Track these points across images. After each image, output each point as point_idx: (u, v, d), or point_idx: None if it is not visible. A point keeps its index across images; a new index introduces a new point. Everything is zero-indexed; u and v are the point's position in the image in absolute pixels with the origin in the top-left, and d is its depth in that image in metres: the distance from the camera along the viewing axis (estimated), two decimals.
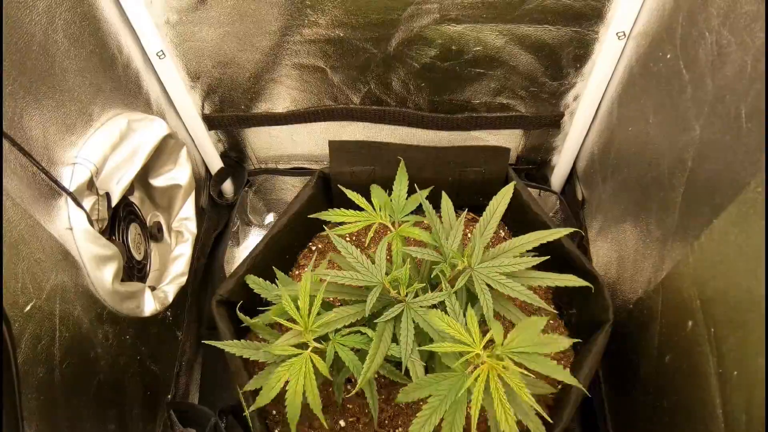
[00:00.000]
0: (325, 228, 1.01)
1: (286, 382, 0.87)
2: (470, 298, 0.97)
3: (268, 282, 1.06)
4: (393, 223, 1.03)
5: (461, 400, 0.83)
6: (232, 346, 0.96)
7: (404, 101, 1.28)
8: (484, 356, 0.80)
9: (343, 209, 1.01)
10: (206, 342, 0.97)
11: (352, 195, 1.02)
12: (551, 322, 1.21)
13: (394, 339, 0.95)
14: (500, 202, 1.03)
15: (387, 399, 1.09)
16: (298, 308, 0.87)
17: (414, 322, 0.91)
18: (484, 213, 1.03)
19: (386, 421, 1.08)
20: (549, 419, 0.86)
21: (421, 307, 0.91)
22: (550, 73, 1.19)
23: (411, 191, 1.07)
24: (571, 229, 1.02)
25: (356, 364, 0.92)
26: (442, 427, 0.83)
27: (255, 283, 1.06)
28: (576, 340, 0.95)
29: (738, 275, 0.70)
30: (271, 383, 0.89)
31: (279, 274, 1.08)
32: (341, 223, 1.01)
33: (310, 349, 0.88)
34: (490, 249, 1.00)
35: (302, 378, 0.87)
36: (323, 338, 0.92)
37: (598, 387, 1.17)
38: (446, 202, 1.06)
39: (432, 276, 1.00)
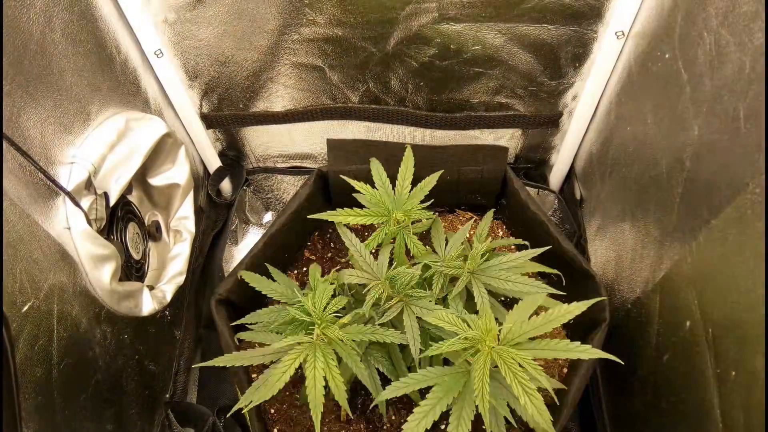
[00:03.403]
0: (336, 224, 1.01)
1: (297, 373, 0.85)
2: (468, 307, 0.98)
3: (263, 277, 1.06)
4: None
5: (468, 392, 0.83)
6: (234, 359, 0.93)
7: (403, 100, 1.28)
8: (487, 343, 0.79)
9: (348, 209, 1.01)
10: (208, 363, 0.95)
11: (359, 185, 1.02)
12: None
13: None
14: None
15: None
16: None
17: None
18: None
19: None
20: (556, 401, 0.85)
21: (420, 308, 0.91)
22: (548, 73, 1.19)
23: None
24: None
25: (353, 356, 0.90)
26: (450, 422, 0.83)
27: (251, 278, 1.05)
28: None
29: (736, 276, 0.71)
30: (276, 374, 0.84)
31: (273, 270, 1.07)
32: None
33: (316, 337, 0.85)
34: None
35: (320, 363, 0.83)
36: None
37: (596, 387, 1.17)
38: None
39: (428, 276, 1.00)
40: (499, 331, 0.82)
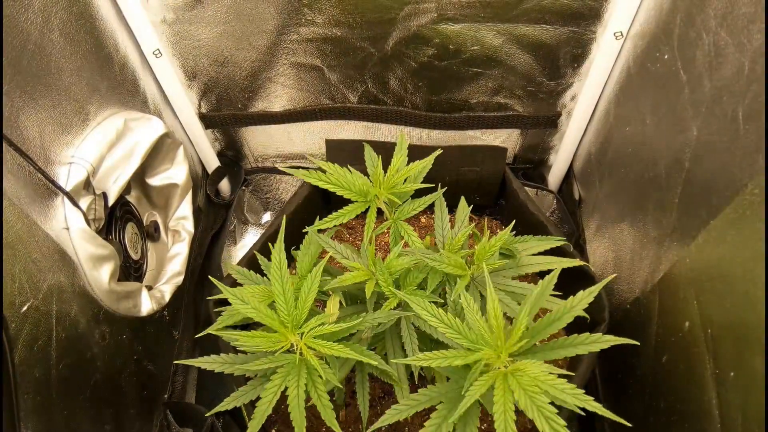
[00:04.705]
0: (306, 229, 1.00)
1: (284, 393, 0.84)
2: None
3: (251, 272, 1.04)
4: (392, 210, 1.02)
5: (474, 410, 0.82)
6: (212, 363, 0.94)
7: (401, 100, 1.28)
8: (501, 360, 0.79)
9: (335, 212, 1.00)
10: (197, 363, 0.94)
11: (321, 162, 1.01)
12: None
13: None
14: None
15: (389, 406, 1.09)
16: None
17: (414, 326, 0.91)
18: None
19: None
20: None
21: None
22: (547, 73, 1.19)
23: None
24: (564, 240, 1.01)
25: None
26: None
27: (237, 272, 1.04)
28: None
29: (735, 277, 0.71)
30: (264, 401, 0.84)
31: (263, 260, 1.05)
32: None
33: (299, 351, 0.83)
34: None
35: (301, 385, 0.82)
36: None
37: (595, 388, 1.17)
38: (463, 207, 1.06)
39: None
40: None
